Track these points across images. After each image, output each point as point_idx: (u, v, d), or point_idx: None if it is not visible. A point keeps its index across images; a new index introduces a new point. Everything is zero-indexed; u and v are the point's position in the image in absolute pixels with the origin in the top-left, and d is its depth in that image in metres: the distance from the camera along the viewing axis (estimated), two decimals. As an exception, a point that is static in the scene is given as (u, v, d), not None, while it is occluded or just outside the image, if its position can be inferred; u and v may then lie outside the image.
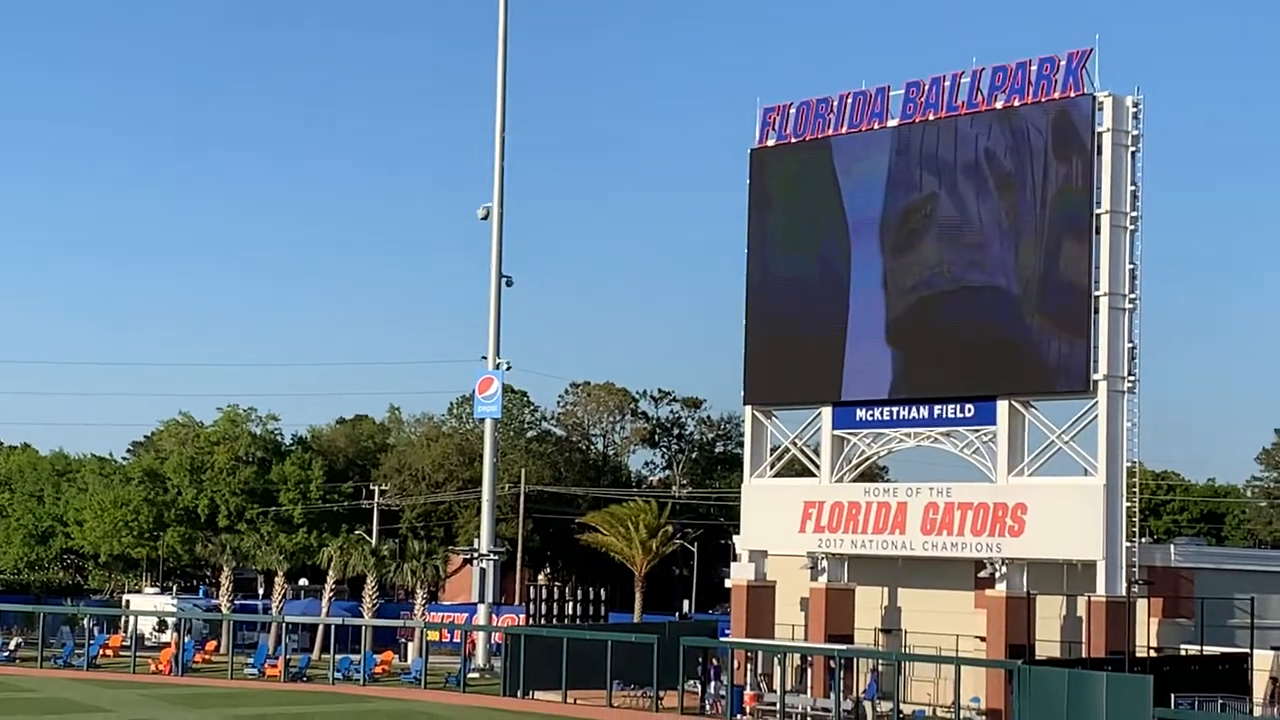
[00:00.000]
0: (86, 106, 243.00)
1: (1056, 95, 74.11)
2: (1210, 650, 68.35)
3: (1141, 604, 71.39)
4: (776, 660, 75.67)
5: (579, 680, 78.37)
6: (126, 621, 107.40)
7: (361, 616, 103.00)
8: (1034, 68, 74.87)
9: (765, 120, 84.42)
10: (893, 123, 79.67)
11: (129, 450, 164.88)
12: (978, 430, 76.58)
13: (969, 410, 76.62)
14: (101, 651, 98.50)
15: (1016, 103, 75.42)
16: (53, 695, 77.93)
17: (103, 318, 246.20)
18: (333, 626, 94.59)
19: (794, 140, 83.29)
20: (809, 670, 78.48)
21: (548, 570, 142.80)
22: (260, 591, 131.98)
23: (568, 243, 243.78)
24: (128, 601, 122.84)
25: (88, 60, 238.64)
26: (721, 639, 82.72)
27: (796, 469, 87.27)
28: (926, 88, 78.38)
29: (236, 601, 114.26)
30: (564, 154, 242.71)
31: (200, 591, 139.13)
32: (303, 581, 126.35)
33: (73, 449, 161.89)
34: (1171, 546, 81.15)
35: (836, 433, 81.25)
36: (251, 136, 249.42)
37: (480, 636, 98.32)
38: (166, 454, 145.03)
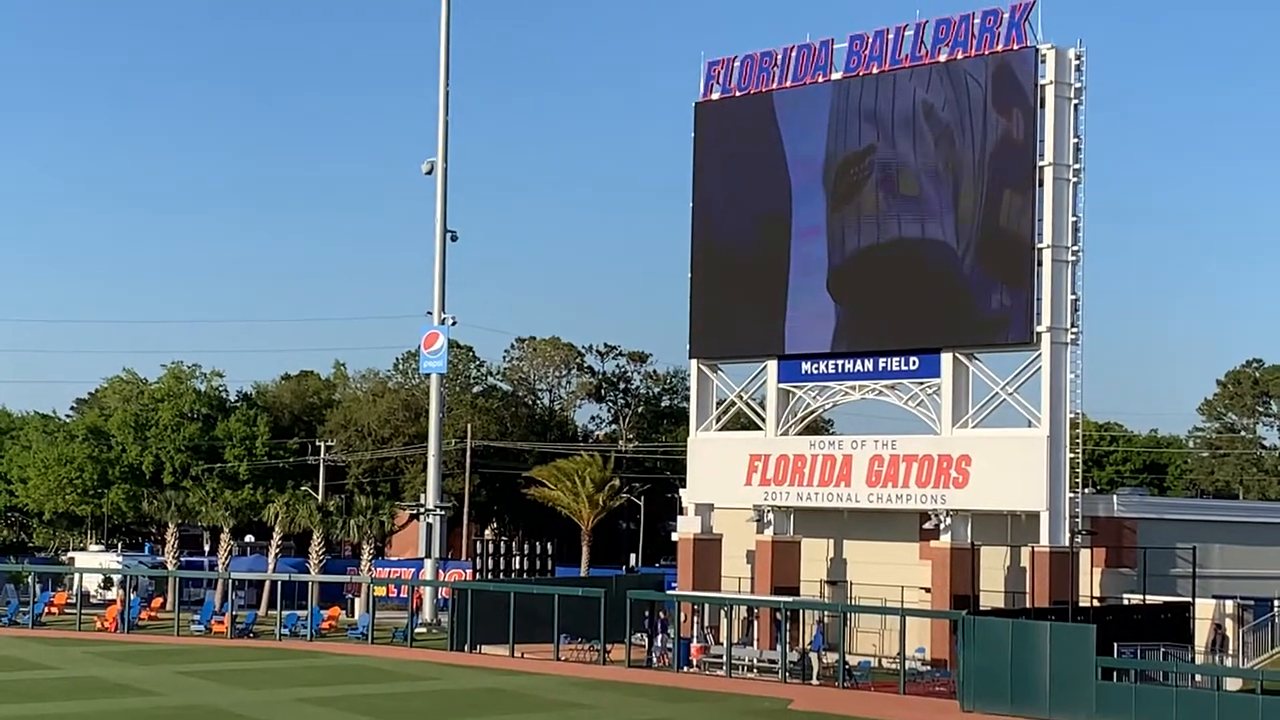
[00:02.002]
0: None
1: (999, 48, 74.23)
2: (1153, 599, 69.02)
3: (1085, 554, 71.97)
4: (723, 613, 75.97)
5: (526, 634, 78.57)
6: (72, 579, 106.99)
7: (308, 572, 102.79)
8: (976, 21, 74.99)
9: (709, 74, 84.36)
10: (836, 76, 79.70)
11: (73, 407, 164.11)
12: (922, 383, 76.91)
13: (913, 363, 76.96)
14: (47, 609, 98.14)
15: (959, 55, 75.53)
16: (-3, 654, 77.67)
17: (46, 274, 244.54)
18: (279, 582, 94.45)
19: (738, 94, 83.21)
20: (755, 622, 78.89)
21: (494, 525, 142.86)
22: (206, 548, 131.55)
23: (513, 197, 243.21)
24: (72, 559, 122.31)
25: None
26: (668, 592, 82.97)
27: (742, 422, 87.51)
28: (870, 41, 78.39)
29: (182, 558, 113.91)
30: (509, 109, 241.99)
31: (146, 548, 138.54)
32: (248, 538, 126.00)
33: (16, 407, 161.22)
34: (1114, 497, 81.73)
35: (782, 386, 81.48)
36: (189, 91, 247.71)
37: (427, 591, 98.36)
38: (111, 411, 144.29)
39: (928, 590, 75.47)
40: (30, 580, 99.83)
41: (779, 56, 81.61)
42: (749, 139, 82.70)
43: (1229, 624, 69.94)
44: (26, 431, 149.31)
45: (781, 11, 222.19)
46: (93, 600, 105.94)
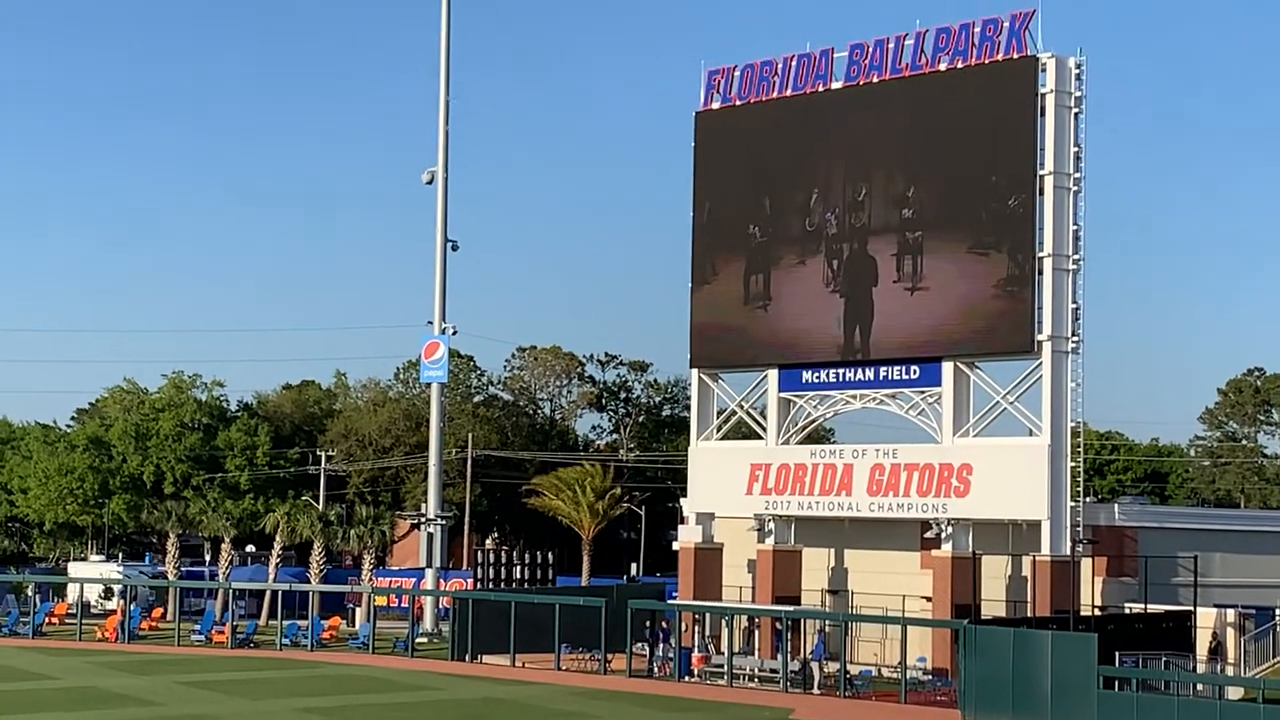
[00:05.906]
0: (9, 78, 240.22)
1: (1000, 57, 74.27)
2: (1154, 608, 68.92)
3: (1086, 563, 71.92)
4: (724, 622, 75.90)
5: (527, 644, 78.45)
6: (72, 589, 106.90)
7: (309, 582, 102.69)
8: (977, 30, 75.02)
9: (710, 83, 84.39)
10: (836, 85, 79.73)
11: (73, 417, 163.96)
12: (923, 392, 76.88)
13: (914, 372, 76.95)
14: (47, 619, 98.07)
15: (960, 64, 75.55)
16: (-2, 664, 77.60)
17: (46, 285, 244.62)
18: (280, 592, 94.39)
19: (738, 103, 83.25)
20: (756, 632, 78.83)
21: (495, 535, 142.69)
22: (207, 558, 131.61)
23: (514, 207, 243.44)
24: (65, 569, 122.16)
25: (4, 32, 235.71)
26: (669, 601, 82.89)
27: (743, 431, 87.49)
28: (870, 50, 78.43)
29: (183, 568, 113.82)
30: (509, 118, 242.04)
31: (146, 559, 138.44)
32: (249, 548, 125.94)
33: (16, 417, 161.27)
34: (1116, 506, 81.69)
35: (783, 395, 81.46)
36: (193, 107, 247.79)
37: (428, 601, 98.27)
38: (111, 421, 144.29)
39: (929, 599, 75.41)
40: (30, 590, 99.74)
41: (779, 66, 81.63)
42: (750, 148, 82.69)
43: (1230, 633, 69.87)
44: (27, 442, 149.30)
45: (785, 21, 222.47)
46: (93, 610, 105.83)
